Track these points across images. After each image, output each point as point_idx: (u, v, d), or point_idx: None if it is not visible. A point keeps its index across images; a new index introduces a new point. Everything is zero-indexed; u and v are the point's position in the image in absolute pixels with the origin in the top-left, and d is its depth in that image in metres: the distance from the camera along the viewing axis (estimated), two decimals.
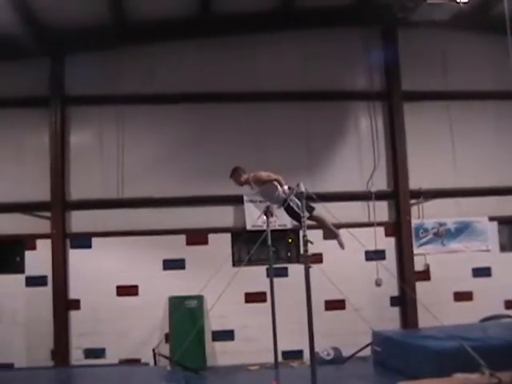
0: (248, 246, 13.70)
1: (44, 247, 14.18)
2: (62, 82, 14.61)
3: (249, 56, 15.13)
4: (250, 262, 13.57)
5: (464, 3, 12.05)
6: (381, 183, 15.34)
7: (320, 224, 9.94)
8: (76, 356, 14.05)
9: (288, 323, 12.58)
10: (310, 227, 9.44)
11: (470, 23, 14.91)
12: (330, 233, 9.95)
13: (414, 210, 15.30)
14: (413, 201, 15.28)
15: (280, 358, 12.41)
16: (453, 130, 15.60)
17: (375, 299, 14.74)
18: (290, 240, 14.96)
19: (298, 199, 9.35)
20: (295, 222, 10.37)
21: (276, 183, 9.67)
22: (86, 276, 14.11)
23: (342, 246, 9.86)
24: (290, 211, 9.72)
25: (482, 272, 15.23)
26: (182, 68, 14.87)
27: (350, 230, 11.81)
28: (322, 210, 10.31)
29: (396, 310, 15.02)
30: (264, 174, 9.77)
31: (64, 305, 14.07)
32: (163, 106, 14.90)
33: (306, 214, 9.00)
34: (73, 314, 14.17)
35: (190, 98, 14.93)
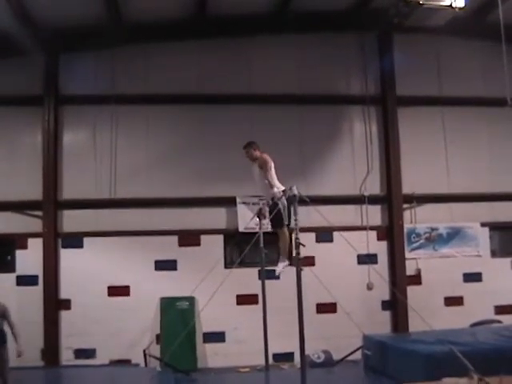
0: (240, 247, 13.70)
1: (35, 246, 14.09)
2: (56, 81, 14.54)
3: (245, 58, 15.13)
4: (242, 264, 13.55)
5: (459, 9, 12.05)
6: (374, 187, 15.35)
7: (281, 240, 10.00)
8: (66, 356, 13.97)
9: (279, 326, 12.60)
10: (303, 230, 9.50)
11: (465, 29, 14.95)
12: (284, 253, 10.01)
13: (406, 214, 15.32)
14: (405, 205, 15.30)
15: (271, 361, 12.46)
16: (446, 135, 15.64)
17: (366, 303, 14.75)
18: None
19: (290, 202, 9.44)
20: (271, 225, 10.43)
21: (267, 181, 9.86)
22: (77, 276, 14.04)
23: (278, 271, 10.08)
24: (274, 213, 9.80)
25: (472, 277, 15.27)
26: (177, 69, 14.82)
27: (343, 233, 11.87)
28: (315, 213, 10.35)
29: (387, 314, 15.03)
30: (268, 165, 9.95)
31: (55, 304, 14.00)
32: (158, 106, 14.86)
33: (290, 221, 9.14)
34: (63, 313, 14.09)
35: (185, 99, 14.93)
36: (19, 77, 14.34)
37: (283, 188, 9.90)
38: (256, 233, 11.63)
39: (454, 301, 15.08)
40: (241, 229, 14.26)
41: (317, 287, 11.42)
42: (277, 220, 9.88)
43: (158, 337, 14.03)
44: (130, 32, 14.25)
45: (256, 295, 13.11)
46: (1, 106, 14.46)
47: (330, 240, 14.43)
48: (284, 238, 9.97)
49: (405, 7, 12.31)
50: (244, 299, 14.29)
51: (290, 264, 9.95)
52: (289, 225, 9.74)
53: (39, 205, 14.23)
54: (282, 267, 10.04)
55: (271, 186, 9.96)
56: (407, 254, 15.19)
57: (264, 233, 11.59)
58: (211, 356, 14.35)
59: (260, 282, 11.86)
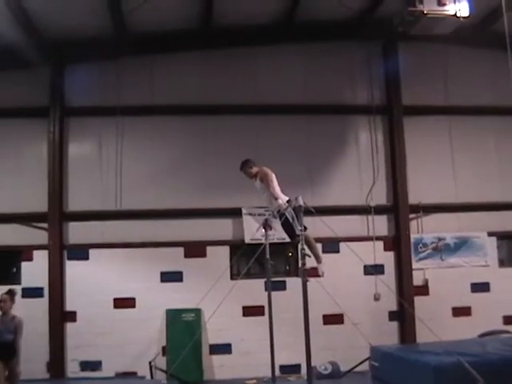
0: (246, 259, 13.62)
1: (41, 258, 14.07)
2: (61, 93, 14.56)
3: (249, 69, 15.12)
4: (248, 275, 13.51)
5: (464, 18, 12.00)
6: (380, 197, 15.28)
7: (308, 245, 9.86)
8: (72, 368, 13.88)
9: (286, 337, 12.54)
10: None
11: (471, 38, 14.91)
12: (316, 257, 9.89)
13: (413, 224, 15.25)
14: (412, 215, 15.23)
15: (277, 372, 12.38)
16: (453, 144, 15.59)
17: (374, 314, 14.65)
18: (289, 253, 14.87)
19: (296, 212, 9.35)
20: (289, 237, 10.34)
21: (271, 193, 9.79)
22: (83, 288, 14.01)
23: (322, 274, 9.84)
24: (285, 224, 9.73)
25: (480, 287, 15.15)
26: (183, 80, 14.85)
27: (349, 244, 11.79)
28: (321, 223, 10.29)
29: (394, 325, 14.92)
30: (270, 177, 9.92)
31: (60, 317, 13.95)
32: (163, 117, 14.87)
33: (300, 230, 9.00)
34: (69, 326, 14.04)
35: (190, 109, 14.92)
36: (24, 88, 14.39)
37: (287, 198, 9.84)
38: (262, 244, 11.55)
39: (461, 311, 14.96)
40: (247, 240, 14.20)
41: (323, 298, 11.32)
42: (291, 231, 9.78)
43: (163, 349, 13.95)
44: (135, 43, 14.26)
45: (262, 306, 13.00)
46: (6, 117, 14.49)
47: (337, 251, 14.33)
48: (309, 242, 9.77)
49: (410, 16, 12.24)
50: (250, 311, 14.20)
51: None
52: (304, 230, 9.54)
53: (45, 217, 14.22)
54: (322, 269, 9.88)
55: (275, 197, 9.91)
56: (414, 264, 15.09)
57: (270, 244, 11.48)
58: (217, 368, 14.25)
59: (266, 293, 11.76)
